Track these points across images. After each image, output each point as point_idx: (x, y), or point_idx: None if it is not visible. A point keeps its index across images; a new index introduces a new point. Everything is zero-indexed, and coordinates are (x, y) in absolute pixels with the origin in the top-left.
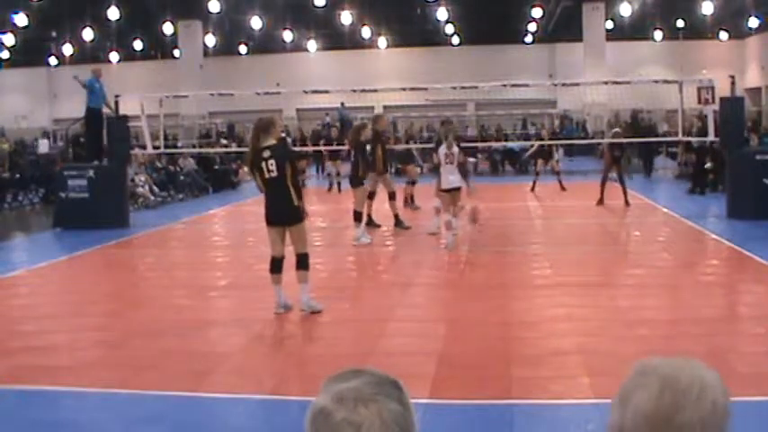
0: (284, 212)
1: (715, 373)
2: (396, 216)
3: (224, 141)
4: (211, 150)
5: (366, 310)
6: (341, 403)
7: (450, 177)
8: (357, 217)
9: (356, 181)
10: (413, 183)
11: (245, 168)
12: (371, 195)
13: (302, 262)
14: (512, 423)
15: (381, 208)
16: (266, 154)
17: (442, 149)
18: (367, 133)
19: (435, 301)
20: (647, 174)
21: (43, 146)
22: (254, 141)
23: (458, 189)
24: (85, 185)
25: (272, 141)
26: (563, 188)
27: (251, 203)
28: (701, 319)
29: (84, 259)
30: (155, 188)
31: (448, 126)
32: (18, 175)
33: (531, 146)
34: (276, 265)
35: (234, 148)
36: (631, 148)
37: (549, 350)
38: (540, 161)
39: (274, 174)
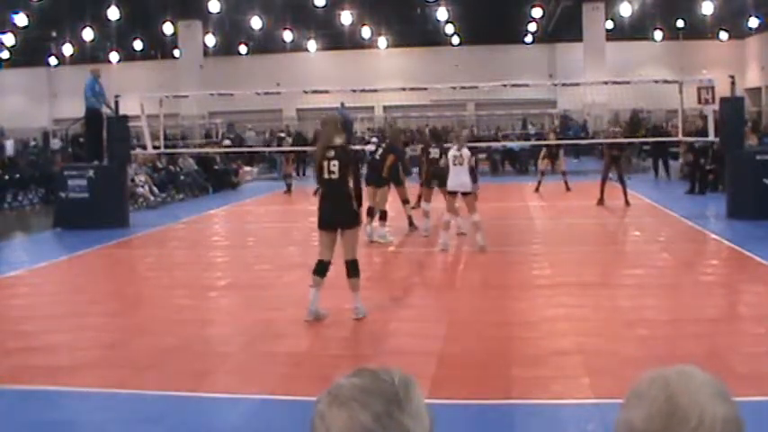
0: (341, 215)
1: (725, 407)
2: (409, 217)
3: (227, 142)
4: (211, 150)
5: (367, 311)
6: (327, 396)
7: (456, 180)
8: (383, 216)
9: (380, 180)
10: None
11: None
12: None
13: (353, 269)
14: (512, 423)
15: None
16: (330, 154)
17: (452, 151)
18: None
19: (435, 301)
20: (666, 175)
21: (8, 147)
22: (324, 138)
23: (466, 193)
24: (85, 185)
25: (337, 141)
26: (568, 188)
27: (251, 203)
28: (701, 319)
29: (84, 259)
30: (154, 188)
31: (458, 130)
32: (18, 175)
33: (533, 146)
34: (322, 269)
35: (234, 149)
36: (632, 148)
37: (549, 350)
38: (546, 161)
39: (335, 176)
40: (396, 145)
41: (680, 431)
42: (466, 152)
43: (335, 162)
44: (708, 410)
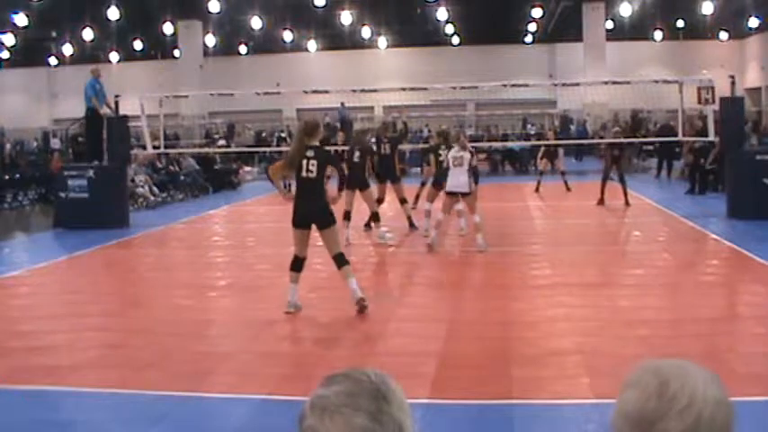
0: (316, 214)
1: (716, 390)
2: (409, 218)
3: (222, 142)
4: (211, 150)
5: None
6: (312, 410)
7: (455, 181)
8: (375, 217)
9: (365, 183)
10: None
11: (274, 165)
12: (381, 200)
13: (341, 260)
14: (512, 423)
15: (389, 209)
16: (309, 153)
17: (452, 152)
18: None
19: (435, 301)
20: (667, 175)
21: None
22: (301, 139)
23: (465, 194)
24: (85, 185)
25: (315, 143)
26: (568, 189)
27: (251, 203)
28: (700, 319)
29: (84, 259)
30: (154, 188)
31: (446, 132)
32: (18, 176)
33: (533, 146)
34: (297, 264)
35: (234, 149)
36: (632, 148)
37: (549, 350)
38: (545, 161)
39: (313, 174)
40: (365, 146)
41: (670, 411)
42: (466, 154)
43: (314, 161)
44: (698, 392)
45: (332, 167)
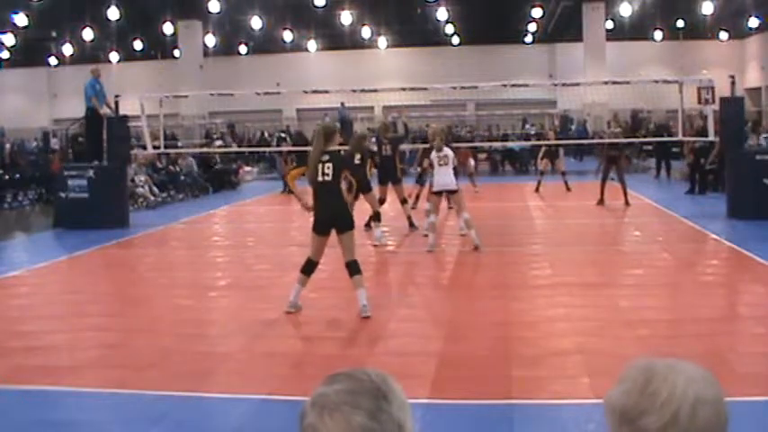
0: (338, 218)
1: (702, 388)
2: (409, 218)
3: (219, 143)
4: (211, 150)
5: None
6: (312, 408)
7: (441, 180)
8: (377, 217)
9: (367, 186)
10: (421, 183)
11: (293, 172)
12: (382, 201)
13: (354, 268)
14: (512, 423)
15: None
16: (325, 158)
17: (434, 153)
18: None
19: (435, 301)
20: (667, 175)
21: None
22: (319, 144)
23: (453, 192)
24: (85, 185)
25: (332, 148)
26: (568, 189)
27: (251, 203)
28: (700, 319)
29: (84, 259)
30: (155, 188)
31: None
32: (18, 175)
33: (533, 146)
34: (310, 268)
35: (234, 149)
36: (632, 147)
37: (549, 350)
38: (545, 161)
39: (329, 177)
40: (365, 150)
41: (649, 406)
42: (450, 152)
43: (330, 165)
44: (678, 389)
45: (346, 171)
